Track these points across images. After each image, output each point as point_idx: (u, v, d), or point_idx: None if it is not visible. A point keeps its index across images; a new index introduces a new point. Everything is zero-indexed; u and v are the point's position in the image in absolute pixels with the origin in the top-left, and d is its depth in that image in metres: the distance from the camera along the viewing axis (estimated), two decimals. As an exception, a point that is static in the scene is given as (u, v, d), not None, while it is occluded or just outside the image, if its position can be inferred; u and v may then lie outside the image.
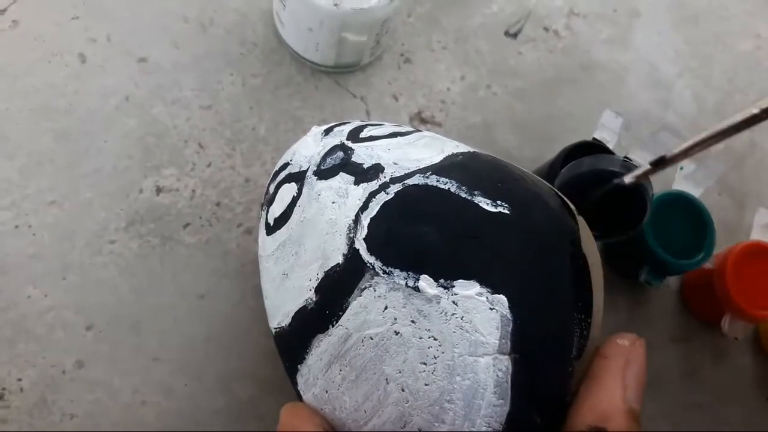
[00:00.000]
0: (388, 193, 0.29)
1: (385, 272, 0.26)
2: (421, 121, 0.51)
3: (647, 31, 0.60)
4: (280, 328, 0.31)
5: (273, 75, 0.50)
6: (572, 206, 0.31)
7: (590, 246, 0.29)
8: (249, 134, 0.48)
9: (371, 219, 0.28)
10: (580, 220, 0.30)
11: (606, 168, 0.38)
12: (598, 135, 0.46)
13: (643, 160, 0.39)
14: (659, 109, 0.57)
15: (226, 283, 0.44)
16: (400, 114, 0.51)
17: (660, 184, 0.50)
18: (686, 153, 0.25)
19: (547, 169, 0.47)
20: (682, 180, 0.49)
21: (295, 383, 0.30)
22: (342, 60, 0.49)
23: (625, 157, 0.40)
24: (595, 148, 0.45)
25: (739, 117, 0.24)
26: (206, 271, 0.44)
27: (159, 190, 0.45)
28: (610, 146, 0.45)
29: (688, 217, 0.47)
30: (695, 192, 0.48)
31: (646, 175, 0.26)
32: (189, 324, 0.43)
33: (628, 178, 0.27)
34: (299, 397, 0.30)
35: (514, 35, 0.56)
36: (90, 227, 0.43)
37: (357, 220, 0.28)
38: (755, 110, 0.23)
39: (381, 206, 0.28)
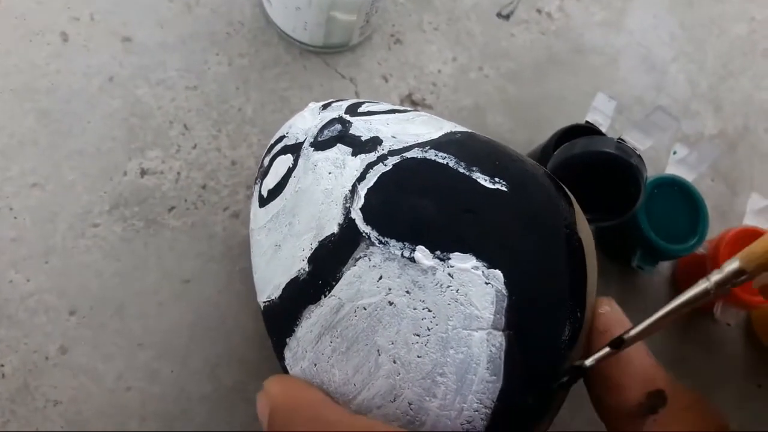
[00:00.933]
0: (386, 165, 0.28)
1: (380, 242, 0.26)
2: (412, 103, 0.50)
3: (642, 14, 0.59)
4: (269, 301, 0.31)
5: (260, 55, 0.49)
6: (567, 191, 0.30)
7: (585, 230, 0.29)
8: (235, 115, 0.47)
9: (368, 189, 0.28)
10: (575, 204, 0.30)
11: (600, 149, 0.38)
12: (591, 118, 0.45)
13: (637, 141, 0.38)
14: (653, 93, 0.57)
15: (212, 267, 0.43)
16: (390, 95, 0.50)
17: (653, 168, 0.50)
18: (645, 333, 0.25)
19: (539, 153, 0.46)
20: (675, 164, 0.48)
21: (282, 358, 0.29)
22: (331, 40, 0.48)
23: (619, 139, 0.39)
24: (588, 131, 0.45)
25: (692, 292, 0.24)
26: (192, 254, 0.43)
27: (143, 173, 0.44)
28: (603, 129, 0.45)
29: (681, 202, 0.47)
30: (688, 176, 0.47)
31: (604, 358, 0.26)
32: (174, 308, 0.42)
33: (588, 362, 0.27)
34: (286, 373, 0.29)
35: (507, 17, 0.55)
36: (73, 210, 0.43)
37: (354, 190, 0.28)
38: (707, 284, 0.24)
39: (379, 177, 0.28)
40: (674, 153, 0.50)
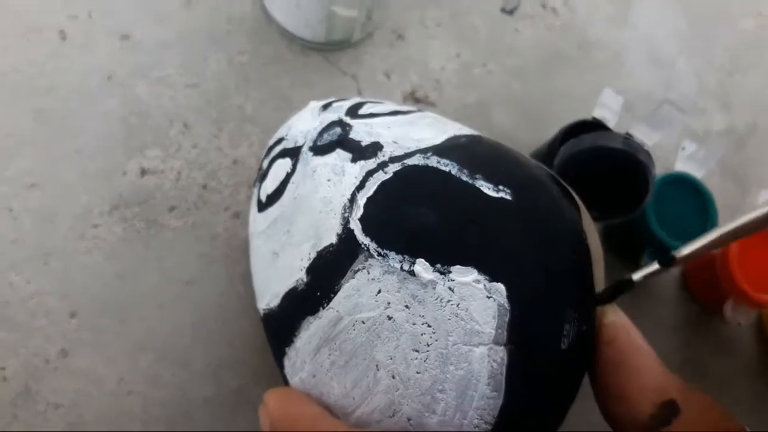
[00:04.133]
0: (386, 173, 0.28)
1: (379, 254, 0.25)
2: (415, 100, 0.50)
3: (648, 9, 0.58)
4: (268, 309, 0.30)
5: (260, 52, 0.48)
6: (573, 193, 0.30)
7: (593, 238, 0.29)
8: (236, 113, 0.46)
9: (368, 199, 0.27)
10: (583, 210, 0.29)
11: (607, 145, 0.37)
12: (598, 114, 0.44)
13: (644, 136, 0.38)
14: (660, 89, 0.56)
15: (214, 269, 0.43)
16: (392, 93, 0.50)
17: (661, 165, 0.49)
18: (696, 253, 0.25)
19: (545, 149, 0.45)
20: (684, 161, 0.48)
21: (282, 367, 0.29)
22: (332, 36, 0.47)
23: (627, 134, 0.39)
24: (595, 126, 0.44)
25: (753, 215, 0.24)
26: (193, 255, 0.43)
27: (143, 172, 0.44)
28: (611, 125, 0.44)
29: (690, 199, 0.46)
30: (697, 173, 0.47)
31: (654, 275, 0.25)
32: (176, 310, 0.41)
33: (636, 276, 0.26)
34: (285, 382, 0.29)
35: (511, 12, 0.55)
36: (73, 211, 0.42)
37: (353, 199, 0.27)
38: None
39: (378, 186, 0.27)
40: (683, 149, 0.49)
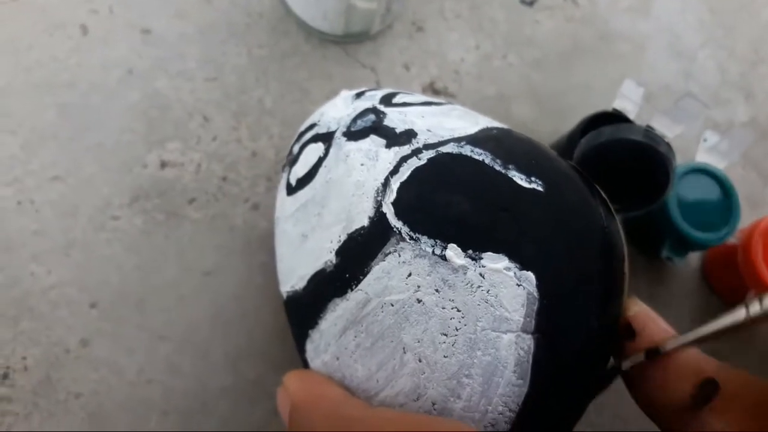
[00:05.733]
0: (420, 159, 0.28)
1: (411, 238, 0.25)
2: (434, 92, 0.50)
3: (669, -1, 0.58)
4: (293, 291, 0.30)
5: (279, 45, 0.48)
6: (603, 193, 0.30)
7: (618, 234, 0.29)
8: (255, 106, 0.46)
9: (401, 183, 0.27)
10: (611, 208, 0.29)
11: (628, 137, 0.37)
12: (619, 105, 0.44)
13: (665, 128, 0.37)
14: (681, 80, 0.55)
15: (233, 260, 0.43)
16: (411, 85, 0.49)
17: (682, 156, 0.48)
18: (683, 347, 0.25)
19: (565, 141, 0.45)
20: (706, 152, 0.47)
21: (303, 350, 0.29)
22: (351, 29, 0.47)
23: (648, 126, 0.38)
24: (616, 118, 0.44)
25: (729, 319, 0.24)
26: (212, 247, 0.43)
27: (163, 165, 0.44)
28: (631, 117, 0.44)
29: (712, 191, 0.46)
30: (719, 165, 0.46)
31: (639, 363, 0.25)
32: (195, 301, 0.42)
33: (625, 365, 0.26)
34: (306, 365, 0.29)
35: (531, 3, 0.54)
36: (93, 203, 0.42)
37: (386, 183, 0.27)
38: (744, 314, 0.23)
39: (412, 171, 0.27)
40: (704, 141, 0.49)
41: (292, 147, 0.36)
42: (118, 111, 0.45)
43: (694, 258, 0.51)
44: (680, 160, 0.40)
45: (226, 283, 0.42)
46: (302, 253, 0.30)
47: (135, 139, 0.44)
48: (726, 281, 0.49)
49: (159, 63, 0.46)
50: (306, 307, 0.29)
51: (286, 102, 0.47)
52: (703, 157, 0.47)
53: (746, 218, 0.47)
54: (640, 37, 0.56)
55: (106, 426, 0.39)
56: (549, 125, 0.51)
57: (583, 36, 0.55)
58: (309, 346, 0.28)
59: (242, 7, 0.49)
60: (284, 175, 0.35)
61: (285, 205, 0.33)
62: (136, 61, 0.46)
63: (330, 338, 0.27)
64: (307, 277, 0.29)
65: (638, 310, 0.27)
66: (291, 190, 0.33)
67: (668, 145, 0.38)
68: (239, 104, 0.46)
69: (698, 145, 0.48)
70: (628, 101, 0.44)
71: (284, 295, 0.31)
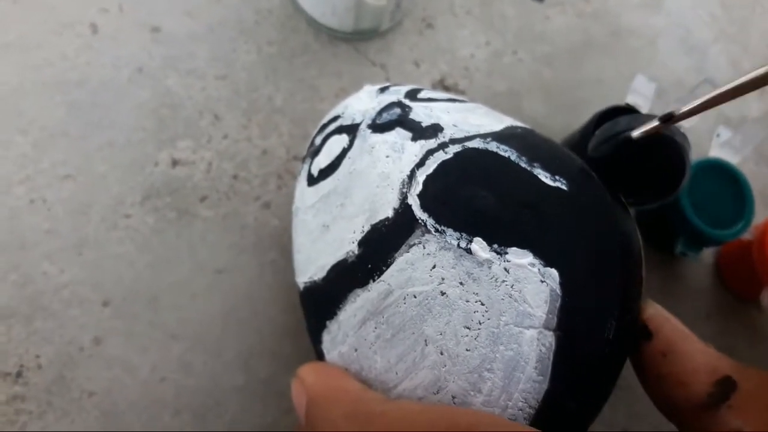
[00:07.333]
0: (446, 153, 0.28)
1: (437, 230, 0.25)
2: (444, 88, 0.49)
3: (680, -6, 0.57)
4: (311, 282, 0.30)
5: (289, 43, 0.48)
6: (623, 198, 0.30)
7: (637, 239, 0.28)
8: (265, 104, 0.46)
9: (427, 176, 0.27)
10: (630, 212, 0.29)
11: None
12: (631, 100, 0.44)
13: (680, 121, 0.37)
14: (693, 75, 0.55)
15: (244, 258, 0.43)
16: (421, 81, 0.49)
17: (695, 151, 0.48)
18: (698, 110, 0.24)
19: (578, 135, 0.45)
20: (719, 147, 0.47)
21: (319, 342, 0.29)
22: (360, 25, 0.47)
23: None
24: (628, 113, 0.43)
25: (754, 74, 0.23)
26: (224, 245, 0.43)
27: (175, 163, 0.44)
28: (644, 112, 0.43)
29: (726, 186, 0.45)
30: (732, 160, 0.46)
31: (655, 130, 0.25)
32: (207, 299, 0.42)
33: (635, 133, 0.26)
34: (320, 357, 0.29)
35: (541, -1, 0.54)
36: (105, 201, 0.42)
37: (412, 175, 0.27)
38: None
39: (438, 164, 0.27)
40: (717, 136, 0.48)
41: (313, 139, 0.36)
42: (129, 109, 0.45)
43: (708, 254, 0.50)
44: (694, 156, 0.40)
45: (238, 281, 0.42)
46: (323, 243, 0.30)
47: (146, 138, 0.44)
48: (740, 277, 0.49)
49: (169, 61, 0.46)
50: (325, 298, 0.29)
51: (296, 100, 0.47)
52: (716, 153, 0.46)
53: (760, 214, 0.47)
54: (652, 33, 0.55)
55: (120, 424, 0.39)
56: (560, 121, 0.51)
57: (594, 31, 0.54)
58: (326, 337, 0.28)
59: (251, 4, 0.49)
60: (305, 167, 0.35)
61: (305, 195, 0.33)
62: (146, 60, 0.46)
63: (349, 329, 0.27)
64: (327, 268, 0.29)
65: (653, 311, 0.27)
66: (312, 180, 0.33)
67: (684, 135, 0.38)
68: (249, 102, 0.46)
69: (711, 141, 0.48)
70: (639, 96, 0.44)
71: (301, 286, 0.31)
